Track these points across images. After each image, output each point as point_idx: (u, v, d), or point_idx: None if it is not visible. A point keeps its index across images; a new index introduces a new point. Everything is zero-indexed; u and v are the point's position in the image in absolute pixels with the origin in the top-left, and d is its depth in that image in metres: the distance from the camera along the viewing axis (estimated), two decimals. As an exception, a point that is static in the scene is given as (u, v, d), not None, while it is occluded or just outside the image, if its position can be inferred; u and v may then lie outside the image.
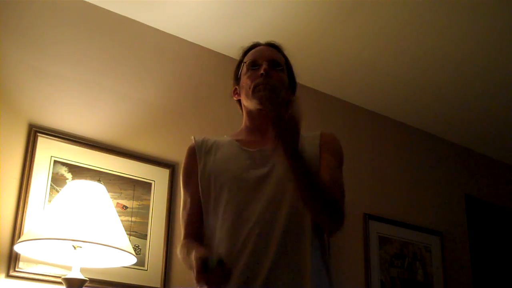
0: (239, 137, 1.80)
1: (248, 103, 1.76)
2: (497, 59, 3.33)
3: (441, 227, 3.92)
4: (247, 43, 1.91)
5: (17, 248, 2.26)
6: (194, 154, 1.76)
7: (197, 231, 1.69)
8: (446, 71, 3.44)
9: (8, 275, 2.32)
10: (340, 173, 1.69)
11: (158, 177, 2.82)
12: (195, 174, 1.72)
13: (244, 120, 1.83)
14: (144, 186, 2.77)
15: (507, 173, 4.56)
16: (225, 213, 1.61)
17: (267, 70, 1.73)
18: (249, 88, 1.73)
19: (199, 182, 1.70)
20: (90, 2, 2.87)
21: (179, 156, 2.95)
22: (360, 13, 2.96)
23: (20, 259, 2.34)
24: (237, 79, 1.84)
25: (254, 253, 1.53)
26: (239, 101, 1.84)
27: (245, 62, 1.81)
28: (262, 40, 1.91)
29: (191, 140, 1.79)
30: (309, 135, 1.77)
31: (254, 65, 1.77)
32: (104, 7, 2.91)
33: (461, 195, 4.16)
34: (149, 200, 2.77)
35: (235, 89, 1.84)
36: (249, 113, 1.79)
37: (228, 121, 3.16)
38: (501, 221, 4.44)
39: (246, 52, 1.87)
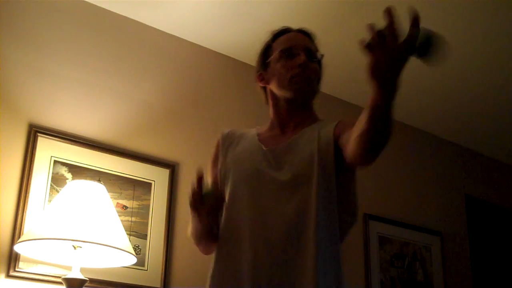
0: (263, 131, 1.74)
1: (280, 92, 1.68)
2: (497, 59, 3.33)
3: (441, 227, 3.92)
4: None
5: (17, 248, 2.26)
6: (218, 148, 1.76)
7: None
8: (446, 71, 3.44)
9: (8, 275, 2.32)
10: None
11: (158, 177, 2.82)
12: (216, 164, 1.74)
13: (270, 109, 1.75)
14: (144, 186, 2.77)
15: (507, 173, 4.56)
16: (228, 210, 1.61)
17: (305, 61, 1.65)
18: (285, 78, 1.65)
19: (219, 176, 1.70)
20: (90, 2, 2.87)
21: (179, 156, 2.95)
22: (360, 14, 2.96)
23: (20, 259, 2.34)
24: (264, 64, 1.73)
25: (255, 261, 1.50)
26: (263, 87, 1.75)
27: (281, 50, 1.69)
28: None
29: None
30: (327, 120, 1.71)
31: (290, 53, 1.67)
32: (104, 7, 2.91)
33: (461, 195, 4.16)
34: (149, 200, 2.77)
35: (260, 74, 1.74)
36: (276, 102, 1.71)
37: (228, 121, 3.17)
38: (501, 221, 4.44)
39: (275, 36, 1.75)
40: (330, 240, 1.53)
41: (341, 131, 1.56)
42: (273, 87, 1.69)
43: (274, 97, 1.71)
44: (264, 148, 1.64)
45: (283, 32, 1.75)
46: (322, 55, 1.73)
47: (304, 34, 1.75)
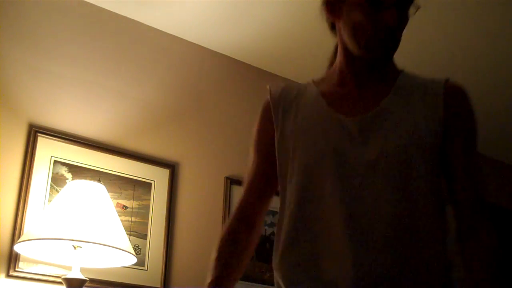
0: (327, 86, 1.38)
1: (353, 48, 1.31)
2: (498, 59, 3.33)
3: (441, 227, 3.92)
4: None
5: (17, 248, 2.26)
6: (269, 114, 1.39)
7: (254, 202, 1.40)
8: (447, 71, 3.44)
9: (8, 275, 2.32)
10: (478, 162, 1.29)
11: (158, 177, 2.82)
12: (268, 139, 1.38)
13: (338, 58, 1.38)
14: (144, 186, 2.77)
15: (507, 173, 4.56)
16: (299, 200, 1.28)
17: (395, 20, 1.26)
18: (363, 34, 1.27)
19: (277, 154, 1.35)
20: (90, 2, 2.87)
21: (179, 156, 2.95)
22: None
23: (20, 259, 2.34)
24: None
25: (357, 268, 1.19)
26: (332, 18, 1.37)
27: None
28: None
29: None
30: (427, 83, 1.33)
31: (378, 2, 1.27)
32: (104, 7, 2.91)
33: (461, 195, 4.15)
34: (149, 200, 2.77)
35: (330, 2, 1.35)
36: (348, 53, 1.34)
37: (228, 121, 3.17)
38: (501, 221, 4.44)
39: None
40: (439, 239, 1.27)
41: (452, 142, 1.28)
42: (344, 33, 1.32)
43: (346, 46, 1.33)
44: (342, 117, 1.28)
45: None
46: (418, 7, 1.35)
47: None
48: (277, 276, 1.30)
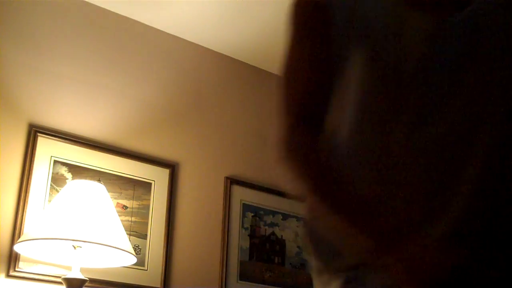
0: None
1: None
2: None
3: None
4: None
5: (17, 248, 2.26)
6: (323, 22, 1.02)
7: (318, 112, 1.04)
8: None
9: (8, 275, 2.32)
10: None
11: (158, 177, 2.82)
12: (324, 55, 1.01)
13: None
14: (144, 186, 2.77)
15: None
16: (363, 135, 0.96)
17: None
18: None
19: (336, 74, 1.02)
20: (90, 2, 2.87)
21: (179, 156, 2.95)
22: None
23: (20, 259, 2.35)
24: None
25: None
26: None
27: None
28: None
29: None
30: None
31: None
32: (104, 7, 2.91)
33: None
34: (149, 200, 2.77)
35: None
36: None
37: (228, 121, 3.17)
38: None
39: None
40: None
41: None
42: None
43: None
44: (423, 17, 0.93)
45: None
46: None
47: None
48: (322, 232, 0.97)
